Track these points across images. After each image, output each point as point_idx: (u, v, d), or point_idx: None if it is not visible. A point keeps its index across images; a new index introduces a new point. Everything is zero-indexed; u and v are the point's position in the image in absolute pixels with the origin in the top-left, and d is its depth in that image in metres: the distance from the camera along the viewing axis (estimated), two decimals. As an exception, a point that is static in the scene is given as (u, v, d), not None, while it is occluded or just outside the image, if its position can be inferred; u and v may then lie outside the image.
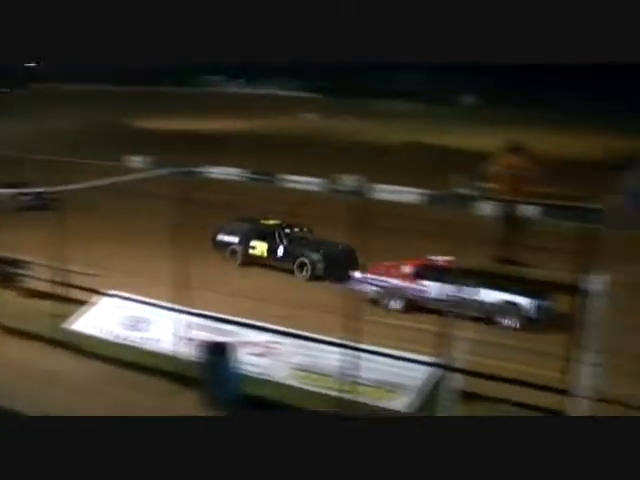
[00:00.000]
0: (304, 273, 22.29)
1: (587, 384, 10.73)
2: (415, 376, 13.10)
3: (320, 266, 22.18)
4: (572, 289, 10.61)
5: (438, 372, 12.62)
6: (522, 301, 18.22)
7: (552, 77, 56.58)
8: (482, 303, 18.21)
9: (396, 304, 19.72)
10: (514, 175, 13.29)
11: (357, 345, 12.60)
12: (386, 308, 19.48)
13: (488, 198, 13.92)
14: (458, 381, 12.07)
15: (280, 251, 23.07)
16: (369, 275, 19.83)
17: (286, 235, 23.50)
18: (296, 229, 24.07)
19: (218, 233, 24.38)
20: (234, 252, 23.99)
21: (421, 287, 19.39)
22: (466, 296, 16.62)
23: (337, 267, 21.18)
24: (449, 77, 70.36)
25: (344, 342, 12.72)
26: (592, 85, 60.41)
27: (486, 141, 38.17)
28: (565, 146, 47.48)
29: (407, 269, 19.91)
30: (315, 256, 22.34)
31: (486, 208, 18.98)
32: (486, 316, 18.22)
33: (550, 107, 62.51)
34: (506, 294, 18.36)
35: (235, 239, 24.07)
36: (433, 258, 19.45)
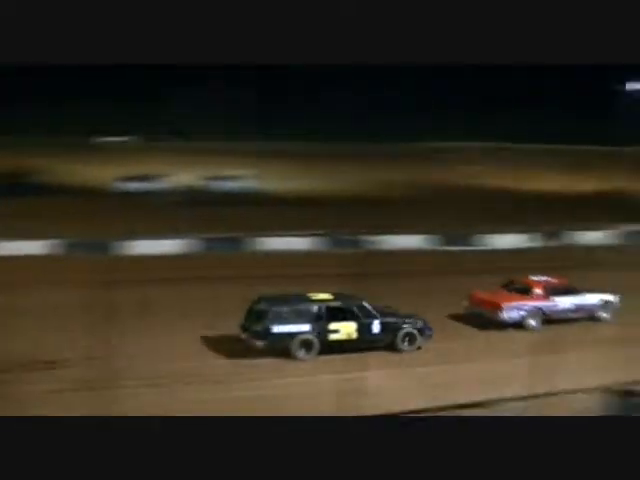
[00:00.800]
0: (412, 345, 18.56)
1: None
2: None
3: (429, 333, 18.87)
4: None
5: None
6: (611, 298, 21.26)
7: None
8: (587, 304, 21.00)
9: (535, 323, 20.28)
10: None
11: None
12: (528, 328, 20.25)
13: None
14: None
15: (376, 327, 18.38)
16: (514, 303, 20.18)
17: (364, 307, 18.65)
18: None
19: (268, 323, 17.64)
20: (307, 344, 17.77)
21: (555, 303, 20.46)
22: (580, 302, 20.88)
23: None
24: None
25: None
26: None
27: None
28: None
29: (539, 290, 20.39)
30: (419, 322, 18.78)
31: None
32: (590, 315, 21.11)
33: None
34: (600, 294, 21.24)
35: (304, 326, 17.74)
36: (543, 278, 21.04)
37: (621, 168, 54.39)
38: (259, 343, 17.61)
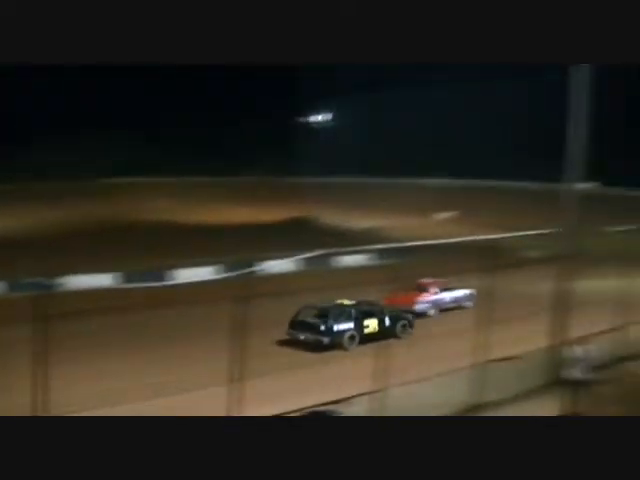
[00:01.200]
0: (406, 331, 25.51)
1: None
2: None
3: (414, 322, 26.12)
4: None
5: None
6: (473, 291, 30.21)
7: None
8: (459, 296, 30.40)
9: (434, 312, 29.07)
10: None
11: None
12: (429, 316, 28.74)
13: None
14: None
15: (387, 321, 24.99)
16: (422, 299, 28.78)
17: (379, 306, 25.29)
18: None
19: (330, 324, 23.50)
20: (352, 337, 23.86)
21: (443, 297, 29.75)
22: (455, 295, 30.83)
23: None
24: None
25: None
26: None
27: None
28: None
29: (435, 289, 29.46)
30: (408, 315, 26.13)
31: None
32: (458, 305, 30.25)
33: None
34: (465, 290, 30.51)
35: (350, 324, 23.87)
36: (431, 279, 29.93)
37: (304, 197, 62.52)
38: (325, 339, 23.38)
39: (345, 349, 23.61)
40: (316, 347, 23.27)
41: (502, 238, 42.73)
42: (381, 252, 43.90)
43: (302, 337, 23.58)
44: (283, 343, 23.79)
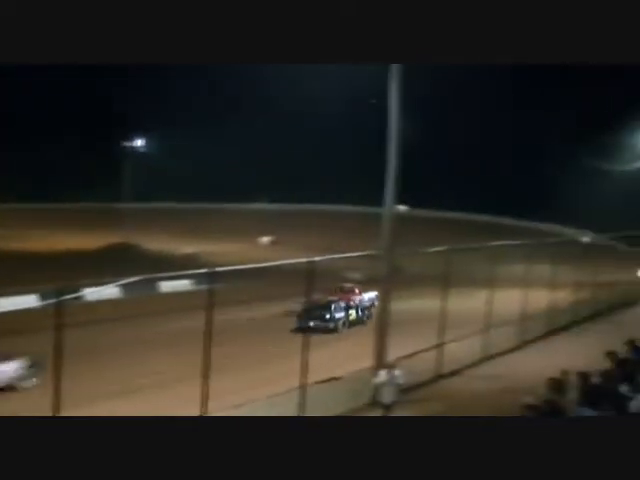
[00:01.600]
0: (369, 320, 32.33)
1: None
2: None
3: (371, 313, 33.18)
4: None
5: None
6: (375, 294, 36.86)
7: None
8: (372, 297, 36.38)
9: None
10: None
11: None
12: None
13: None
14: None
15: (360, 312, 33.08)
16: (354, 298, 35.35)
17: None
18: None
19: (333, 314, 30.95)
20: (344, 323, 31.32)
21: (364, 297, 36.32)
22: (369, 297, 37.75)
23: None
24: None
25: None
26: None
27: None
28: None
29: (358, 290, 36.55)
30: (368, 310, 33.75)
31: None
32: (372, 304, 36.14)
33: None
34: (374, 292, 36.02)
35: (343, 314, 31.46)
36: (350, 284, 37.64)
37: (125, 223, 61.29)
38: (331, 325, 30.58)
39: (340, 332, 30.61)
40: (323, 330, 29.09)
41: (323, 260, 42.93)
42: (201, 277, 42.24)
43: (312, 324, 28.61)
44: (108, 371, 22.75)
